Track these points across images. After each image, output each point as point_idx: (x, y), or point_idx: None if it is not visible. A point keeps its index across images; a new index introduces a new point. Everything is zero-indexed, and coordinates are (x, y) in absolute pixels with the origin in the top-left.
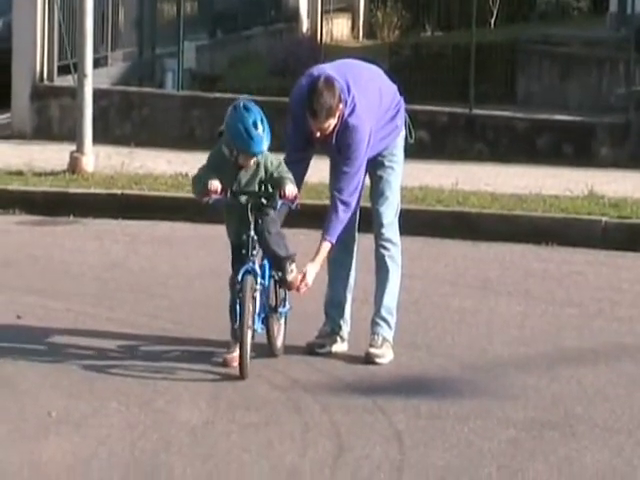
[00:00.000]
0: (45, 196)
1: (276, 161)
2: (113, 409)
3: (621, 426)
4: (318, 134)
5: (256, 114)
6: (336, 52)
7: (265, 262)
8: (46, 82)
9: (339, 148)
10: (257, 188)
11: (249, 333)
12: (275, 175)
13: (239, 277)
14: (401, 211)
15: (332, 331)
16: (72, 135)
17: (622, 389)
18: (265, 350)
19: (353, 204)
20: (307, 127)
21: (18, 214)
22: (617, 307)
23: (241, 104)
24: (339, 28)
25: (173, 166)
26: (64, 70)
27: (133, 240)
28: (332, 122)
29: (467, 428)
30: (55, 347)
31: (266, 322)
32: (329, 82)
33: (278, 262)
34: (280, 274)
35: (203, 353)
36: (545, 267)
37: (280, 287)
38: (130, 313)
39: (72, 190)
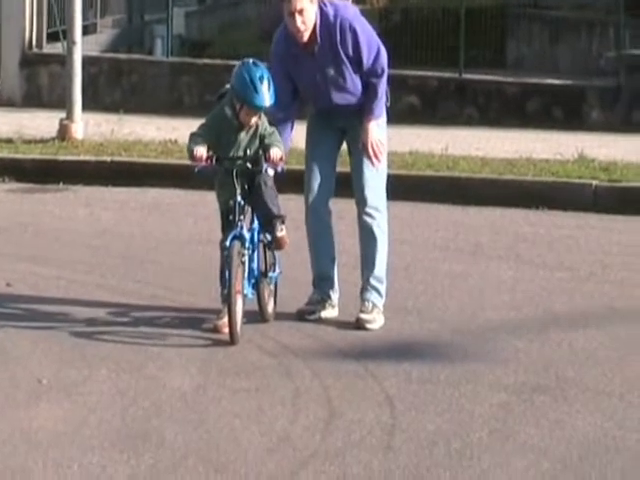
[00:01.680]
0: (35, 164)
1: (270, 129)
2: (103, 376)
3: (612, 389)
4: (299, 22)
5: (263, 71)
6: None
7: (254, 226)
8: (35, 49)
9: (347, 51)
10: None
11: (239, 298)
12: (266, 141)
13: (227, 242)
14: (389, 176)
15: (322, 299)
16: (62, 103)
17: (613, 352)
18: (256, 316)
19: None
20: (291, 55)
21: (7, 182)
22: (608, 270)
23: (250, 60)
24: None
25: (162, 133)
26: (53, 37)
27: (123, 207)
28: (309, 9)
29: (458, 392)
30: (46, 314)
31: (256, 287)
32: None
33: (269, 219)
34: (269, 234)
35: (194, 319)
36: (535, 231)
37: (269, 250)
38: (121, 280)
39: (62, 157)
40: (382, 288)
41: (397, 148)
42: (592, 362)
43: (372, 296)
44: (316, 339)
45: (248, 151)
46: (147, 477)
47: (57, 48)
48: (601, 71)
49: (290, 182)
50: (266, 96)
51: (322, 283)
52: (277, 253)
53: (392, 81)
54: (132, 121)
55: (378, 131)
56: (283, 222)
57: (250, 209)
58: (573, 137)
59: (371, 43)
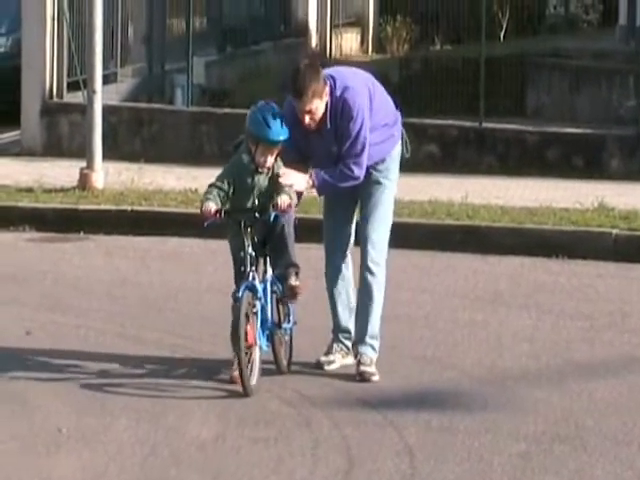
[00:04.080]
0: (55, 213)
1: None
2: (123, 425)
3: (632, 438)
4: (307, 119)
5: (274, 109)
6: (345, 64)
7: (268, 277)
8: (56, 99)
9: (339, 133)
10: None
11: (255, 349)
12: (276, 188)
13: (239, 294)
14: (409, 224)
15: (340, 349)
16: (82, 151)
17: (633, 402)
18: (274, 366)
19: (356, 172)
20: (301, 130)
21: (28, 231)
22: (628, 319)
23: (262, 101)
24: (348, 42)
25: (183, 182)
26: (74, 86)
27: (143, 256)
28: (319, 104)
29: (477, 442)
30: (65, 363)
31: (271, 339)
32: (312, 65)
33: (285, 267)
34: (283, 283)
35: (213, 369)
36: (555, 280)
37: (282, 302)
38: (140, 329)
39: (82, 207)
40: (377, 344)
41: (417, 197)
42: (612, 411)
43: (369, 351)
44: (334, 388)
45: (262, 197)
46: None
47: (78, 97)
48: (621, 120)
49: (310, 231)
50: (279, 131)
51: (340, 334)
52: (292, 305)
53: (412, 130)
54: (152, 170)
55: (301, 182)
56: (297, 273)
57: (262, 260)
58: (593, 186)
59: (359, 132)
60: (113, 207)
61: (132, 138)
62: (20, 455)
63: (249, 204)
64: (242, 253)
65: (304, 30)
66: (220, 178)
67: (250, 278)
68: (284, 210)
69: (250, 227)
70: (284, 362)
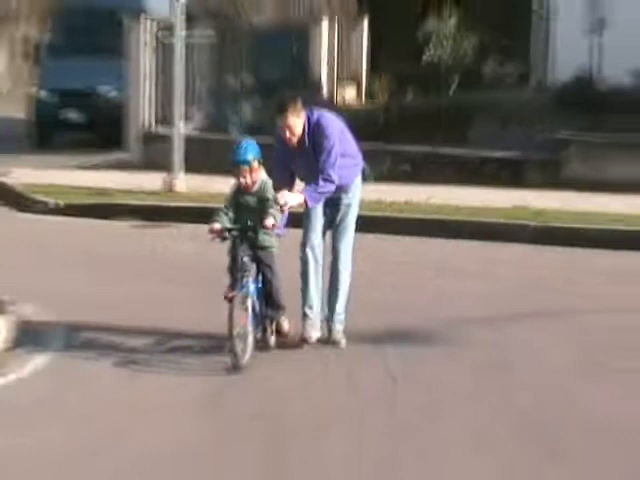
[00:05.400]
0: (150, 208)
1: (271, 195)
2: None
3: (547, 363)
4: (288, 134)
5: (247, 142)
6: (346, 110)
7: (259, 278)
8: (150, 130)
9: (317, 149)
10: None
11: (249, 336)
12: (266, 204)
13: (235, 293)
14: (382, 219)
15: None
16: (168, 166)
17: (547, 339)
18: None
19: (333, 177)
20: (287, 150)
21: (131, 221)
22: (543, 281)
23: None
24: (349, 93)
25: None
26: (162, 121)
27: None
28: (296, 121)
29: (443, 368)
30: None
31: (262, 328)
32: (294, 97)
33: (275, 309)
34: (273, 325)
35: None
36: (494, 256)
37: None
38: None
39: (168, 204)
40: (344, 316)
41: (396, 198)
42: (534, 346)
43: (340, 326)
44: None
45: (252, 215)
46: None
47: (165, 129)
48: (536, 146)
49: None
50: (242, 154)
51: (308, 309)
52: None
53: (392, 153)
54: (215, 180)
55: (295, 199)
56: (283, 313)
57: (255, 265)
58: (517, 192)
59: (329, 145)
60: (190, 204)
61: (203, 158)
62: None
63: (242, 222)
64: (238, 261)
65: (317, 84)
66: (225, 202)
67: (244, 282)
68: (270, 229)
69: (242, 241)
70: (271, 343)
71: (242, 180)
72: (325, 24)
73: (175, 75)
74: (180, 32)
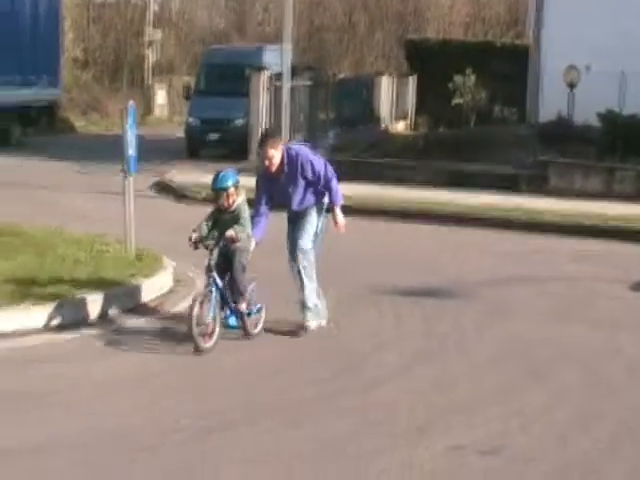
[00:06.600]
0: None
1: (245, 213)
2: None
3: (485, 303)
4: (267, 163)
5: (227, 172)
6: (397, 137)
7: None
8: None
9: (305, 174)
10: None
11: (210, 324)
12: (238, 221)
13: (205, 290)
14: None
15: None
16: None
17: (497, 280)
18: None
19: (332, 184)
20: (269, 177)
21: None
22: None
23: (229, 168)
24: (400, 125)
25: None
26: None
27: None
28: (274, 153)
29: (441, 310)
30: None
31: (241, 318)
32: (274, 133)
33: (237, 295)
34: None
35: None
36: (495, 239)
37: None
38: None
39: None
40: (312, 307)
41: (413, 197)
42: (478, 288)
43: (308, 314)
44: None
45: (224, 229)
46: None
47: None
48: (526, 166)
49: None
50: (219, 183)
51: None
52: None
53: (430, 166)
54: None
55: (341, 213)
56: (244, 296)
57: (223, 267)
58: (513, 197)
59: (321, 167)
60: None
61: None
62: None
63: (217, 235)
64: (209, 265)
65: (379, 118)
66: (205, 217)
67: (210, 281)
68: (228, 240)
69: (212, 250)
70: (248, 330)
71: (221, 202)
72: (385, 78)
73: (282, 109)
74: (286, 80)
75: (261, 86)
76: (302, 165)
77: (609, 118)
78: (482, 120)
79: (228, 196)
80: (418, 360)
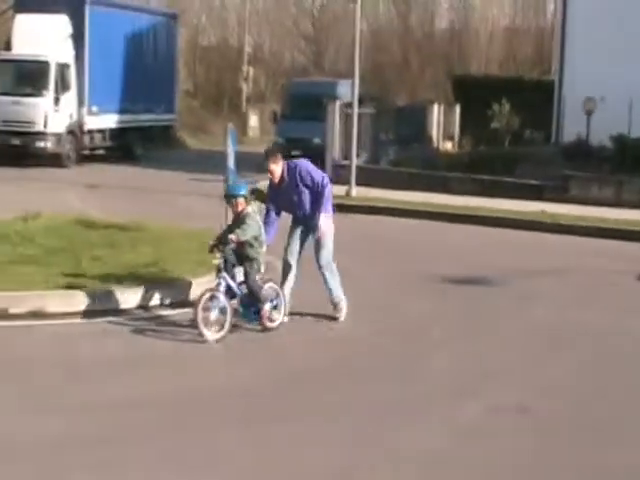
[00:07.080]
0: (337, 206)
1: (249, 219)
2: None
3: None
4: (270, 175)
5: (241, 183)
6: (445, 155)
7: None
8: (339, 161)
9: (305, 182)
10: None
11: (218, 321)
12: (239, 226)
13: (215, 287)
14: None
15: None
16: (349, 182)
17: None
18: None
19: (328, 188)
20: (275, 188)
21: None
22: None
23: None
24: (447, 145)
25: (388, 195)
26: (345, 157)
27: (390, 223)
28: (275, 167)
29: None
30: None
31: (258, 314)
32: (275, 150)
33: (254, 299)
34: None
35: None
36: (502, 237)
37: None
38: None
39: (347, 202)
40: (340, 300)
41: (446, 201)
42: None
43: (340, 304)
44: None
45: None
46: None
47: (346, 161)
48: (552, 178)
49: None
50: (235, 188)
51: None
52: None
53: (472, 180)
54: (374, 192)
55: (325, 220)
56: (262, 306)
57: (238, 268)
58: (537, 203)
59: (319, 177)
60: (360, 203)
61: (366, 178)
62: None
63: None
64: (221, 266)
65: (430, 138)
66: (228, 224)
67: (221, 280)
68: (231, 241)
69: (223, 250)
70: (267, 325)
71: (232, 207)
72: (435, 105)
73: (352, 132)
74: (355, 108)
75: (335, 113)
76: (301, 174)
77: (620, 140)
78: (515, 141)
79: (237, 204)
80: (459, 335)
